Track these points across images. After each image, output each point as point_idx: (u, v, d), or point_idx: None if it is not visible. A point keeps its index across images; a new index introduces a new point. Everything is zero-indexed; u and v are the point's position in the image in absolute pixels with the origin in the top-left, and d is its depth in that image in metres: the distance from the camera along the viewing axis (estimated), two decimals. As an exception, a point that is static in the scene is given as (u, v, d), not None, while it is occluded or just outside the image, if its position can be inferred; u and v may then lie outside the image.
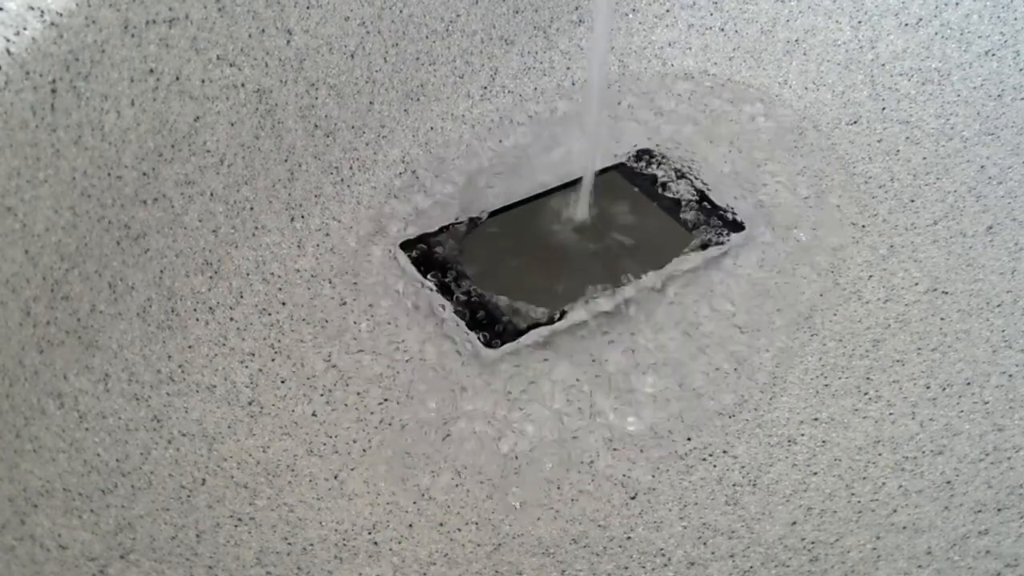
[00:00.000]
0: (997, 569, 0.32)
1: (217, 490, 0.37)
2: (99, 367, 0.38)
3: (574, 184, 0.49)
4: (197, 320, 0.42)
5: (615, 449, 0.40)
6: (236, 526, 0.36)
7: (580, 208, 0.48)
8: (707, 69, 0.58)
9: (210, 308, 0.43)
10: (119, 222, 0.39)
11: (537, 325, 0.43)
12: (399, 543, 0.37)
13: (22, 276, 0.34)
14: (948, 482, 0.37)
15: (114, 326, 0.39)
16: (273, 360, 0.42)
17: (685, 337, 0.44)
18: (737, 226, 0.48)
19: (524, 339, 0.42)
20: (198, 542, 0.35)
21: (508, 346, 0.42)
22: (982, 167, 0.50)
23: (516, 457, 0.40)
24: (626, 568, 0.36)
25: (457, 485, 0.39)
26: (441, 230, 0.47)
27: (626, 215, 0.48)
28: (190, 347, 0.42)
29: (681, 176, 0.51)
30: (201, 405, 0.40)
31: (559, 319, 0.43)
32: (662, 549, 0.37)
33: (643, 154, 0.52)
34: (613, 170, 0.51)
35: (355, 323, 0.44)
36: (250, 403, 0.41)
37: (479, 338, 0.42)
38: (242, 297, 0.44)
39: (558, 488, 0.39)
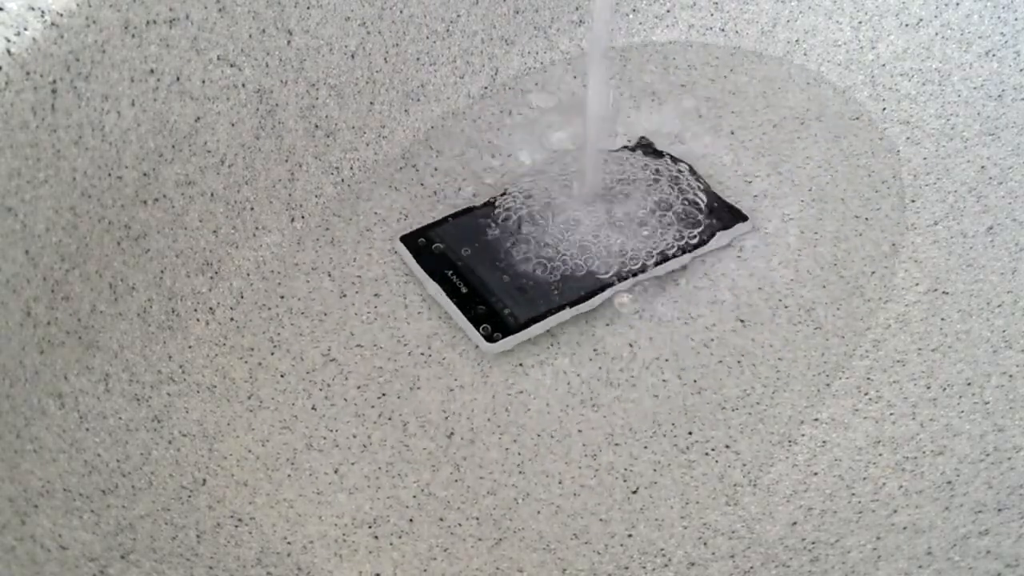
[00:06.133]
0: (997, 569, 0.32)
1: (217, 490, 0.37)
2: (99, 367, 0.38)
3: (574, 182, 0.49)
4: (197, 320, 0.42)
5: (617, 444, 0.40)
6: (236, 526, 0.36)
7: (581, 202, 0.48)
8: (709, 62, 0.58)
9: (210, 308, 0.43)
10: (119, 222, 0.39)
11: (538, 318, 0.43)
12: (399, 538, 0.37)
13: (23, 276, 0.34)
14: (948, 482, 0.37)
15: (115, 326, 0.39)
16: (272, 354, 0.42)
17: (687, 329, 0.44)
18: (739, 218, 0.48)
19: (525, 332, 0.42)
20: (198, 542, 0.35)
21: (509, 339, 0.42)
22: (983, 167, 0.50)
23: (518, 453, 0.40)
24: (627, 568, 0.36)
25: (458, 480, 0.39)
26: (441, 223, 0.47)
27: (627, 209, 0.48)
28: (190, 347, 0.42)
29: (682, 168, 0.51)
30: (201, 405, 0.40)
31: (560, 312, 0.43)
32: (663, 549, 0.37)
33: (644, 146, 0.52)
34: (616, 162, 0.51)
35: (355, 316, 0.44)
36: (249, 398, 0.41)
37: (479, 331, 0.42)
38: (242, 297, 0.44)
39: (559, 483, 0.39)
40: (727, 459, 0.40)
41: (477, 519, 0.38)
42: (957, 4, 0.54)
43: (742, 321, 0.45)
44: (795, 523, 0.37)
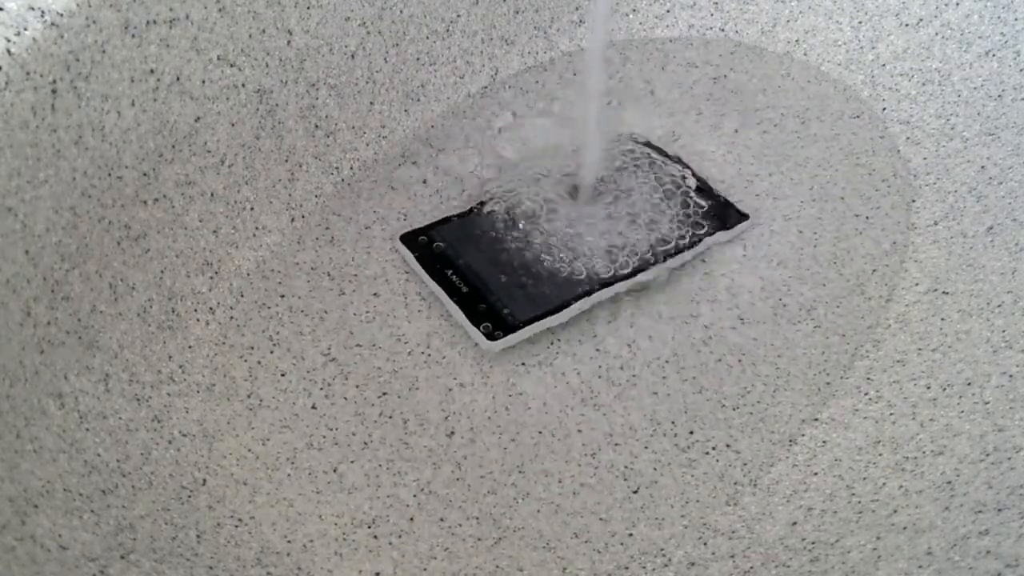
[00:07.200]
0: (998, 569, 0.32)
1: (217, 490, 0.37)
2: (99, 367, 0.38)
3: (574, 180, 0.49)
4: (197, 320, 0.42)
5: (617, 443, 0.40)
6: (236, 526, 0.36)
7: (581, 200, 0.48)
8: (709, 60, 0.58)
9: (210, 308, 0.43)
10: (119, 222, 0.39)
11: (538, 317, 0.43)
12: (399, 537, 0.37)
13: (23, 276, 0.34)
14: (948, 482, 0.37)
15: (114, 326, 0.39)
16: (272, 352, 0.42)
17: (687, 329, 0.44)
18: (740, 216, 0.48)
19: (525, 331, 0.42)
20: (198, 542, 0.35)
21: (509, 338, 0.42)
22: (982, 167, 0.50)
23: (518, 452, 0.40)
24: (627, 568, 0.36)
25: (458, 479, 0.39)
26: (441, 222, 0.47)
27: (627, 207, 0.48)
28: (190, 347, 0.42)
29: (682, 166, 0.51)
30: (201, 405, 0.40)
31: (560, 311, 0.43)
32: (663, 549, 0.37)
33: (644, 145, 0.52)
34: (616, 160, 0.51)
35: (355, 316, 0.44)
36: (249, 397, 0.41)
37: (480, 330, 0.42)
38: (242, 296, 0.44)
39: (559, 482, 0.39)
40: (727, 458, 0.40)
41: (477, 518, 0.38)
42: (957, 4, 0.54)
43: (742, 320, 0.45)
44: (795, 523, 0.37)
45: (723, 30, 0.59)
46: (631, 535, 0.37)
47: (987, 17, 0.53)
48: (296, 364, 0.42)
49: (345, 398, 0.41)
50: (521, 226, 0.47)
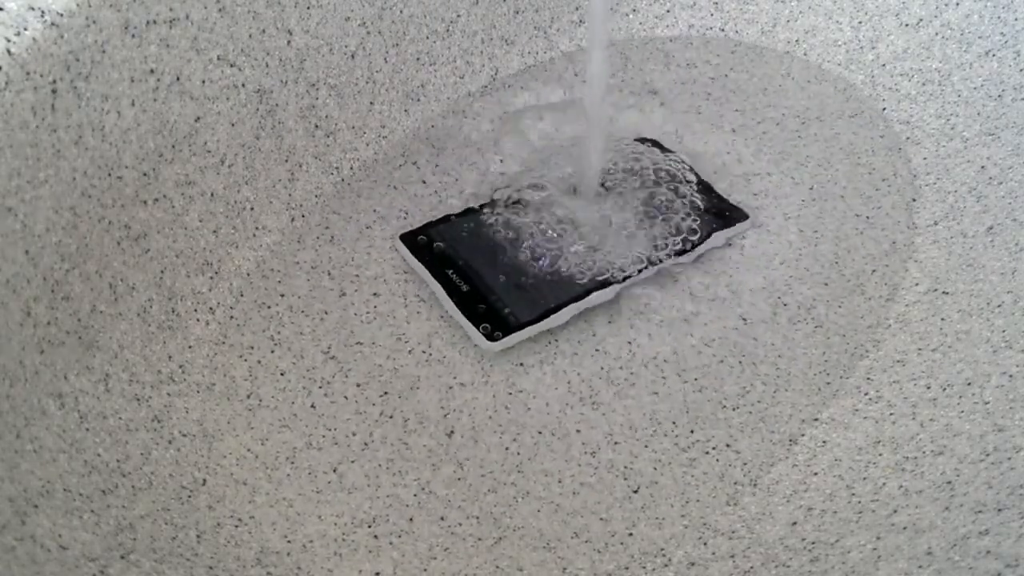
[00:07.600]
0: (998, 569, 0.32)
1: (217, 490, 0.37)
2: (99, 367, 0.38)
3: (574, 179, 0.49)
4: (197, 320, 0.42)
5: (617, 442, 0.40)
6: (236, 526, 0.36)
7: (581, 199, 0.48)
8: (709, 60, 0.58)
9: (210, 308, 0.43)
10: (119, 222, 0.39)
11: (538, 317, 0.43)
12: (399, 537, 0.37)
13: (23, 276, 0.34)
14: (948, 482, 0.37)
15: (115, 326, 0.39)
16: (272, 352, 0.42)
17: (687, 328, 0.44)
18: (740, 216, 0.48)
19: (525, 331, 0.42)
20: (198, 542, 0.35)
21: (509, 338, 0.42)
22: (983, 167, 0.50)
23: (518, 452, 0.40)
24: (627, 568, 0.36)
25: (459, 479, 0.39)
26: (441, 222, 0.47)
27: (628, 207, 0.48)
28: (190, 347, 0.42)
29: (682, 166, 0.51)
30: (201, 405, 0.40)
31: (560, 311, 0.43)
32: (663, 548, 0.37)
33: (644, 144, 0.52)
34: (617, 160, 0.51)
35: (355, 315, 0.44)
36: (248, 396, 0.41)
37: (480, 330, 0.42)
38: (242, 296, 0.44)
39: (559, 481, 0.39)
40: (727, 458, 0.40)
41: (477, 518, 0.38)
42: (957, 4, 0.54)
43: (743, 320, 0.45)
44: (795, 523, 0.37)
45: (723, 30, 0.59)
46: (631, 535, 0.37)
47: (987, 17, 0.53)
48: (296, 364, 0.42)
49: (345, 398, 0.41)
50: (521, 226, 0.47)
